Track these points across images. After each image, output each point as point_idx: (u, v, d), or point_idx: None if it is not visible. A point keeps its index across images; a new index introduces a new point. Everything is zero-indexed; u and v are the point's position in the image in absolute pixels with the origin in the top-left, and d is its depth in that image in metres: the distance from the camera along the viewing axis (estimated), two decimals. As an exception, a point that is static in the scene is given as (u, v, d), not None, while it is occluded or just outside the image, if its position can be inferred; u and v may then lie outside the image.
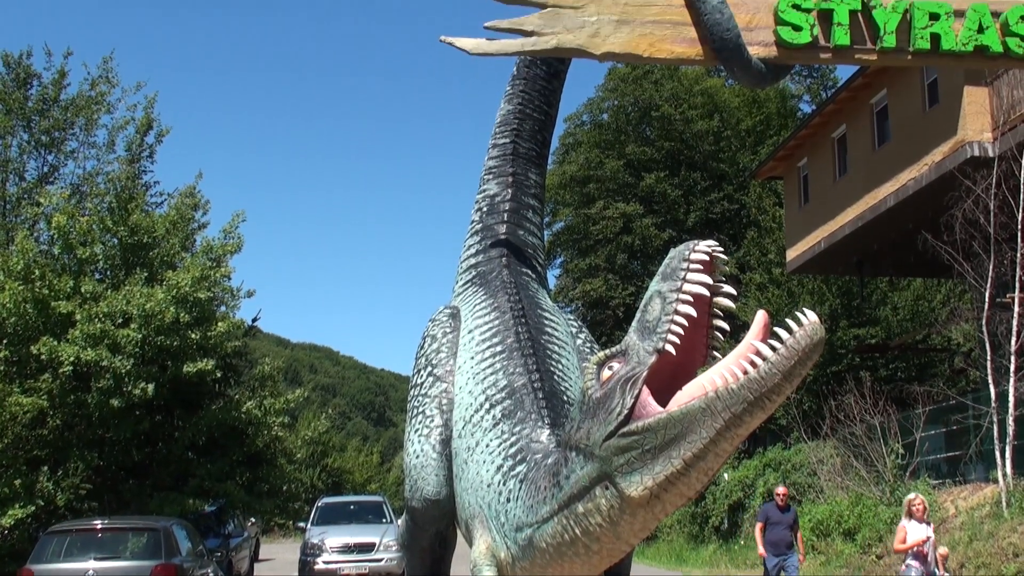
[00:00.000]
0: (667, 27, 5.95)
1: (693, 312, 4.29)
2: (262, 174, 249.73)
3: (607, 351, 4.71)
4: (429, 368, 6.81)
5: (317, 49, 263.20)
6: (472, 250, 7.94)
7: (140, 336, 19.40)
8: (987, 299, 19.28)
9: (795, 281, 33.29)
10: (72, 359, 18.83)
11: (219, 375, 21.30)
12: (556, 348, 6.62)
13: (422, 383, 6.80)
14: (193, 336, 20.19)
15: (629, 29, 5.95)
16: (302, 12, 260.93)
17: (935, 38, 6.10)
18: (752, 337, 4.16)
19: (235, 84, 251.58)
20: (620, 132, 46.71)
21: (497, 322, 6.73)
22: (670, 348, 4.31)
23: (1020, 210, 18.72)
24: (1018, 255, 18.66)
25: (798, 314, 4.05)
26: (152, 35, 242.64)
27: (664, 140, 45.63)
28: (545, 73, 8.18)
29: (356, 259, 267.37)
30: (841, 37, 6.06)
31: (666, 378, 4.41)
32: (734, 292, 4.44)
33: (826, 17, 6.06)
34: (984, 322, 19.38)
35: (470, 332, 6.83)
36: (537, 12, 5.98)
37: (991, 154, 19.98)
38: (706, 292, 4.30)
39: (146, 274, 20.88)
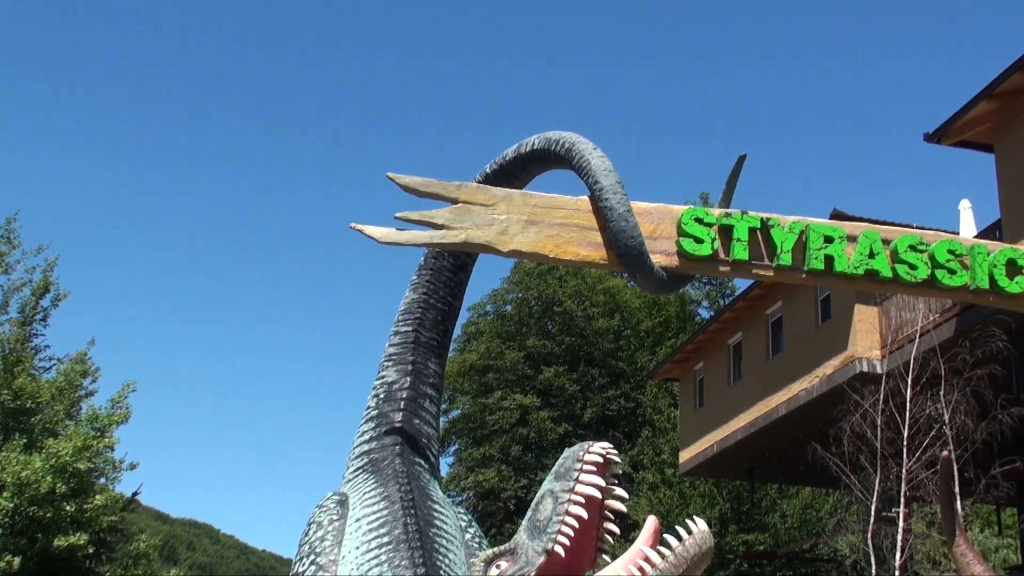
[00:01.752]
0: (574, 230, 6.11)
1: (584, 514, 4.27)
2: (155, 344, 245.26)
3: (495, 549, 4.64)
4: (312, 556, 6.60)
5: (223, 222, 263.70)
6: (366, 436, 7.82)
7: (11, 506, 18.62)
8: (873, 512, 19.52)
9: (687, 483, 33.42)
10: (-64, 526, 17.97)
11: (91, 551, 20.42)
12: (444, 542, 6.49)
13: (304, 572, 6.57)
14: (68, 508, 19.42)
15: (537, 230, 6.09)
16: (211, 185, 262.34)
17: (829, 259, 6.34)
18: (642, 542, 4.16)
19: (136, 253, 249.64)
20: (522, 324, 47.26)
21: (386, 512, 6.59)
22: (559, 549, 4.27)
23: (906, 427, 19.18)
24: (903, 471, 19.01)
25: (688, 521, 4.08)
26: (58, 199, 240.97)
27: (565, 335, 46.23)
28: (452, 265, 8.26)
29: (243, 436, 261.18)
30: (740, 252, 6.26)
31: (554, 580, 4.35)
32: (626, 496, 4.45)
33: (727, 232, 6.28)
34: (870, 535, 19.57)
35: (357, 521, 6.66)
36: (448, 207, 6.10)
37: (879, 371, 20.58)
38: (598, 494, 4.30)
39: (25, 440, 20.17)
